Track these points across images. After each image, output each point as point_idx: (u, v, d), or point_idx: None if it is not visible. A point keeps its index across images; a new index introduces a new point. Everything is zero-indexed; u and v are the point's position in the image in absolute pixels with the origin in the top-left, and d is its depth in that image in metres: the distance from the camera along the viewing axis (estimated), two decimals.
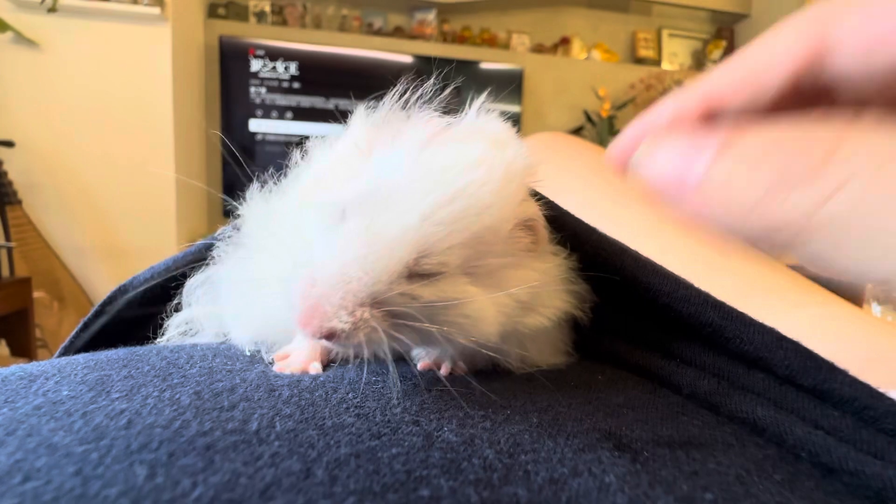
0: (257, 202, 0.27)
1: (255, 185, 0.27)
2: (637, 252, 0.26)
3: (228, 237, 0.28)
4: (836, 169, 0.13)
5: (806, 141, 0.14)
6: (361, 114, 0.25)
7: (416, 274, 0.20)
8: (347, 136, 0.25)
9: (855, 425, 0.19)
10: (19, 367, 0.22)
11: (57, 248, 1.96)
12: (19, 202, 1.85)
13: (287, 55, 2.40)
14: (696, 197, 0.15)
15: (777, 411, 0.21)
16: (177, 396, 0.18)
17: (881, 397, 0.19)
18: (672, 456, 0.18)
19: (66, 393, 0.19)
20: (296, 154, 0.27)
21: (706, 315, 0.23)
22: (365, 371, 0.22)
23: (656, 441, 0.19)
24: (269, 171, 0.28)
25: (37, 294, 1.78)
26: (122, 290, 0.30)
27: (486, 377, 0.23)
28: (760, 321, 0.22)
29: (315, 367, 0.23)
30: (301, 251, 0.21)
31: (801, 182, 0.13)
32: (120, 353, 0.24)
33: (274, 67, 2.40)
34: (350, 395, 0.20)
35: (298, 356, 0.23)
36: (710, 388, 0.23)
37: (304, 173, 0.26)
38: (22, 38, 1.82)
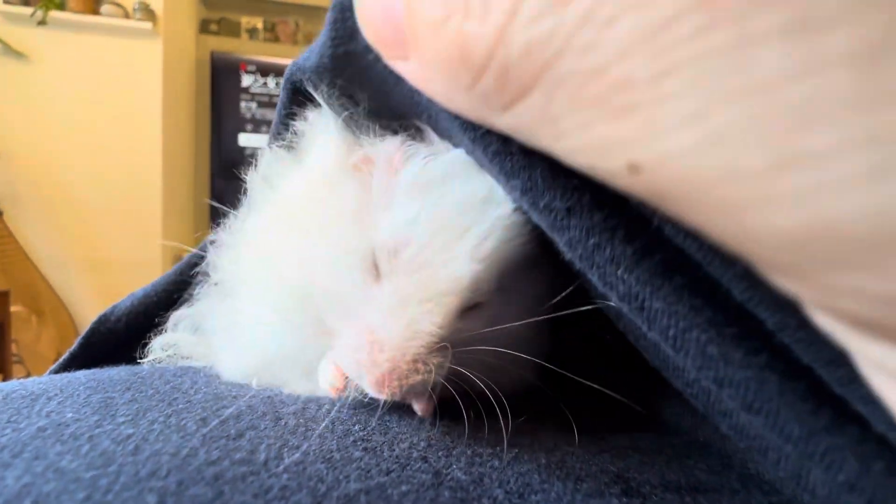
0: (227, 240, 0.27)
1: (221, 224, 0.27)
2: None
3: (205, 275, 0.28)
4: None
5: None
6: (328, 133, 0.25)
7: (466, 309, 0.22)
8: (317, 159, 0.25)
9: None
10: (19, 384, 0.22)
11: (38, 261, 1.92)
12: (0, 213, 1.82)
13: (279, 71, 2.41)
14: (417, 58, 0.10)
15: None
16: (183, 422, 0.18)
17: None
18: (681, 501, 0.18)
19: (70, 415, 0.19)
20: (253, 175, 0.27)
21: None
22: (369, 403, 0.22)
23: (665, 486, 0.18)
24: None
25: (14, 308, 1.73)
26: (103, 320, 0.30)
27: (492, 414, 0.23)
28: None
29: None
30: (341, 310, 0.22)
31: None
32: (122, 373, 0.24)
33: (265, 83, 2.41)
34: (356, 427, 0.20)
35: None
36: (708, 434, 0.22)
37: (272, 202, 0.26)
38: (10, 51, 1.81)
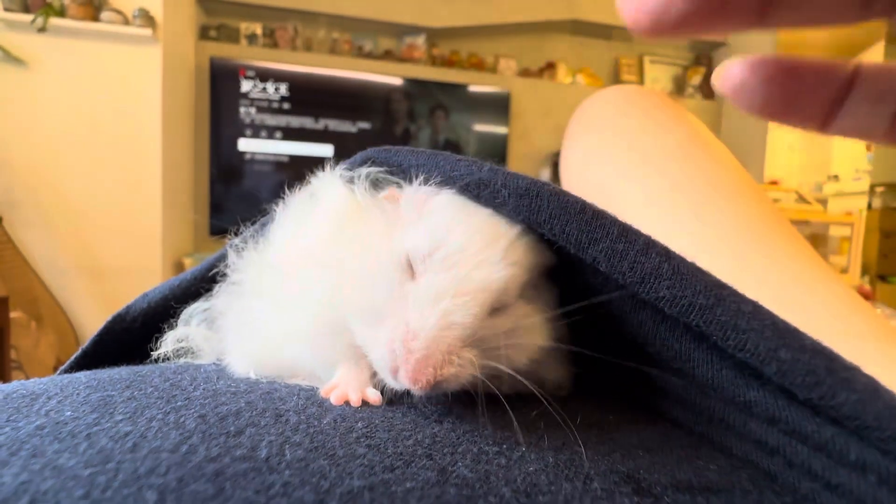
0: (250, 251, 0.28)
1: (241, 234, 0.29)
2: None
3: (224, 274, 0.29)
4: None
5: None
6: (336, 184, 0.27)
7: (494, 308, 0.23)
8: (339, 189, 0.27)
9: (863, 482, 0.17)
10: (20, 384, 0.22)
11: (37, 267, 1.91)
12: None
13: (277, 76, 2.42)
14: None
15: (786, 465, 0.20)
16: (182, 419, 0.18)
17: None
18: (693, 502, 0.17)
19: (69, 413, 0.19)
20: (276, 206, 0.29)
21: (691, 318, 0.19)
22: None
23: (675, 486, 0.18)
24: (259, 208, 0.29)
25: (14, 314, 1.72)
26: (118, 320, 0.30)
27: (496, 412, 0.23)
28: (758, 309, 0.18)
29: (374, 394, 0.23)
30: (371, 298, 0.23)
31: None
32: (122, 372, 0.24)
33: (264, 88, 2.42)
34: (359, 424, 0.19)
35: (350, 385, 0.23)
36: (719, 433, 0.22)
37: (297, 218, 0.27)
38: (10, 58, 1.81)
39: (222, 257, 0.29)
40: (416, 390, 0.21)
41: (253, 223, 0.30)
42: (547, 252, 0.24)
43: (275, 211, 0.29)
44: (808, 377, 0.17)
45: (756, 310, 0.18)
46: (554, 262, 0.25)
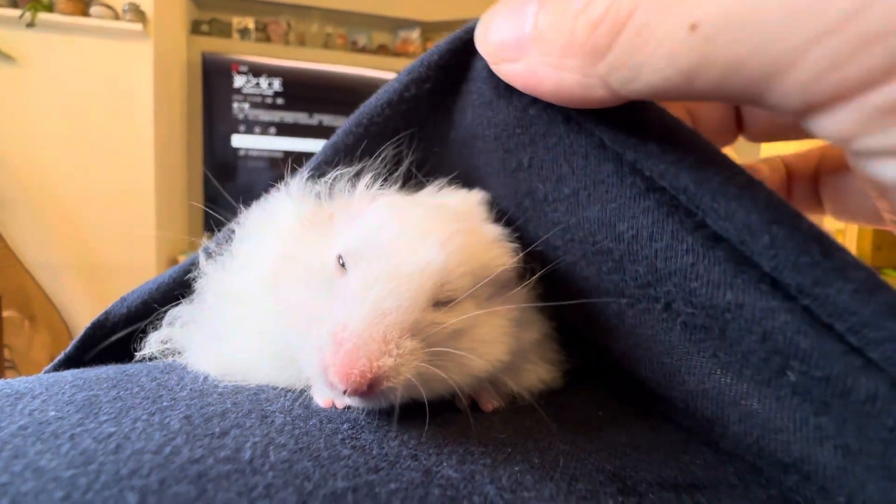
0: (214, 265, 0.27)
1: (204, 252, 0.28)
2: None
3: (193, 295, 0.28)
4: None
5: None
6: (298, 187, 0.26)
7: (438, 302, 0.21)
8: (289, 208, 0.26)
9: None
10: (5, 383, 0.22)
11: (30, 266, 1.90)
12: None
13: (271, 71, 2.41)
14: (538, 51, 0.15)
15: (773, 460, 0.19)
16: (167, 420, 0.18)
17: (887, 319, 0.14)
18: (678, 499, 0.17)
19: (52, 413, 0.19)
20: (237, 222, 0.28)
21: (680, 179, 0.17)
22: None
23: (661, 484, 0.18)
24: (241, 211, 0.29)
25: (7, 313, 1.72)
26: (98, 326, 0.30)
27: (484, 412, 0.23)
28: (752, 183, 0.16)
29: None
30: (305, 306, 0.21)
31: None
32: (109, 371, 0.23)
33: (257, 83, 2.40)
34: (345, 425, 0.19)
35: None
36: (705, 427, 0.22)
37: (251, 241, 0.26)
38: None
39: (196, 262, 0.29)
40: (352, 392, 0.18)
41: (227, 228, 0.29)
42: (505, 255, 0.23)
43: (235, 227, 0.28)
44: (802, 257, 0.15)
45: (749, 182, 0.16)
46: (517, 266, 0.23)
